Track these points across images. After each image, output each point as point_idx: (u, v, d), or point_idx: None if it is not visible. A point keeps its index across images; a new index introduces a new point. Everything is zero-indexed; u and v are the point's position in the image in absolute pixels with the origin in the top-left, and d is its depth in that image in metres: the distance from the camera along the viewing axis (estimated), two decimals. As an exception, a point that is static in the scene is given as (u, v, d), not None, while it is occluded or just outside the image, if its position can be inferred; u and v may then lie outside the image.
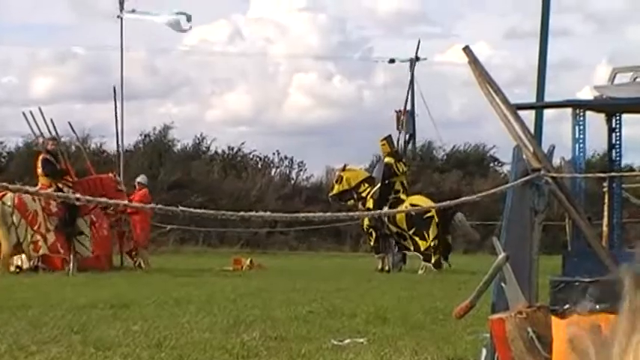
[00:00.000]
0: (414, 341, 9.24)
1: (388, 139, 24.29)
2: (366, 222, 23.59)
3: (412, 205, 21.68)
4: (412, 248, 23.35)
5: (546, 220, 7.97)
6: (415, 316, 11.45)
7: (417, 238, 23.06)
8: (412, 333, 9.89)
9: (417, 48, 25.07)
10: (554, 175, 7.61)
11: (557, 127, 27.03)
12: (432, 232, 23.06)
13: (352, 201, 23.66)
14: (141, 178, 25.07)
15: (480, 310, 8.48)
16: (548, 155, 7.86)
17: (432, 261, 23.03)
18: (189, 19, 26.25)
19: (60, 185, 21.21)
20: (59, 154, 22.42)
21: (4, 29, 63.90)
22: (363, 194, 23.49)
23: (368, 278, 19.87)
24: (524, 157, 7.54)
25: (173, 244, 35.39)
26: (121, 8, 26.13)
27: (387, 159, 23.64)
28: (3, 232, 20.91)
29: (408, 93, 47.02)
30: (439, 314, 11.34)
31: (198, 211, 4.89)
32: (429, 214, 22.84)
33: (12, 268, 21.06)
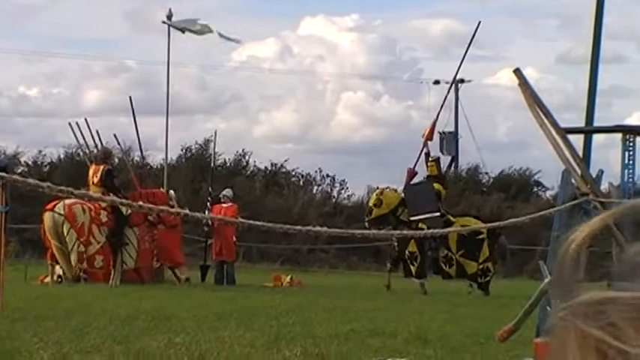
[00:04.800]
0: (455, 363, 9.21)
1: (437, 161, 24.34)
2: (411, 247, 23.33)
3: (462, 226, 21.72)
4: (455, 275, 23.20)
5: (591, 246, 7.91)
6: (456, 337, 11.40)
7: (465, 261, 22.95)
8: (453, 355, 9.85)
9: (458, 70, 24.93)
10: (603, 200, 7.58)
11: (606, 153, 26.89)
12: (484, 253, 23.05)
13: (392, 228, 22.63)
14: (227, 192, 25.31)
15: (521, 333, 8.45)
16: (596, 180, 7.83)
17: (479, 281, 23.05)
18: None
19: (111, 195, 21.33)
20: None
21: (57, 42, 64.81)
22: (402, 217, 23.26)
23: (408, 298, 19.82)
24: (572, 181, 7.51)
25: (212, 259, 35.47)
26: (169, 16, 26.37)
27: (437, 186, 23.65)
28: (55, 243, 21.04)
29: (450, 115, 47.09)
30: (480, 337, 11.27)
31: (267, 224, 4.92)
32: (481, 236, 22.81)
33: (54, 278, 21.24)
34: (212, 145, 44.21)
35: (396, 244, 23.85)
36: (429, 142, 24.63)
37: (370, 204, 23.90)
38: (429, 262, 23.51)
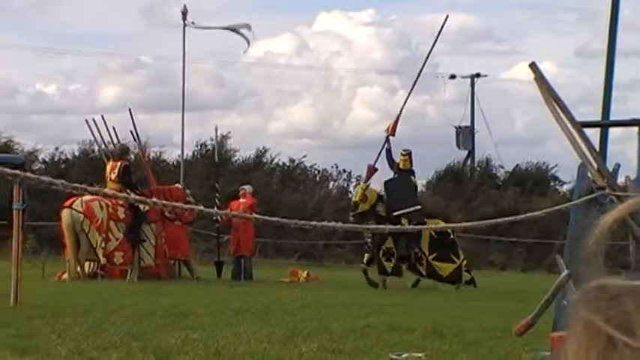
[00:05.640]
0: (472, 358, 9.20)
1: (410, 154, 23.62)
2: (389, 243, 22.70)
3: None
4: (425, 273, 22.93)
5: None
6: (472, 332, 11.40)
7: (437, 264, 22.74)
8: (470, 350, 9.85)
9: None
10: (619, 194, 7.55)
11: (623, 146, 26.70)
12: (458, 252, 23.04)
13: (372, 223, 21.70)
14: (246, 187, 25.33)
15: (538, 328, 8.43)
16: (613, 174, 7.80)
17: (463, 281, 22.91)
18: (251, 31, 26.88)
19: (128, 191, 21.29)
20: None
21: (73, 38, 65.07)
22: (381, 213, 22.60)
23: (425, 294, 19.82)
24: (588, 175, 7.49)
25: (230, 255, 35.53)
26: (184, 18, 26.39)
27: (414, 180, 23.64)
28: (69, 239, 21.13)
29: (466, 109, 47.12)
30: (497, 332, 11.27)
31: (282, 220, 4.93)
32: (450, 237, 22.77)
33: (72, 274, 21.28)
34: (228, 141, 44.48)
35: (369, 240, 23.26)
36: (390, 138, 23.88)
37: (356, 199, 23.02)
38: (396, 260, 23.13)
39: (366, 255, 23.39)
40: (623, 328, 0.89)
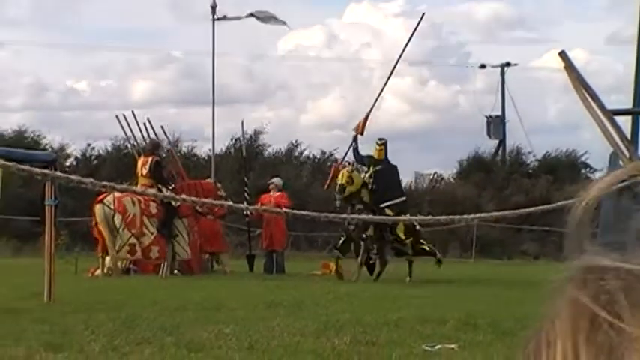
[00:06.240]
0: (506, 348, 9.15)
1: (386, 144, 22.98)
2: (371, 231, 21.97)
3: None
4: (411, 252, 22.40)
5: None
6: (506, 322, 11.34)
7: (418, 246, 22.36)
8: (504, 340, 9.80)
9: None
10: (652, 181, 7.49)
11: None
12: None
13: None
14: (276, 181, 25.31)
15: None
16: (645, 161, 7.73)
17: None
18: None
19: (160, 187, 21.38)
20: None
21: (103, 34, 65.33)
22: (364, 199, 22.00)
23: (457, 284, 19.77)
24: (620, 163, 7.43)
25: (262, 249, 35.56)
26: (213, 12, 26.46)
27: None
28: (107, 235, 21.21)
29: (496, 98, 46.91)
30: (530, 321, 11.16)
31: (312, 213, 4.93)
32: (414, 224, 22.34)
33: (105, 270, 21.36)
34: (261, 135, 44.56)
35: (352, 227, 22.21)
36: (359, 137, 23.39)
37: (343, 182, 22.05)
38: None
39: (361, 253, 22.47)
40: (609, 308, 0.87)
